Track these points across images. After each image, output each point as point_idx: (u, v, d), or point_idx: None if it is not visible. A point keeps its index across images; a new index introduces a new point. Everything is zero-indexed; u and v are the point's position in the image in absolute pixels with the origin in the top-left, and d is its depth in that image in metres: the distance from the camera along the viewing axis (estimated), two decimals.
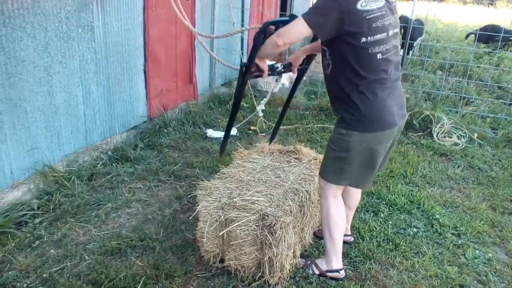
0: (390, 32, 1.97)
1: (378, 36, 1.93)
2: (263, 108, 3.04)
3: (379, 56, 1.95)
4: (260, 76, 2.33)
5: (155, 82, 4.43)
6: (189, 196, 3.14)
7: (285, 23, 2.03)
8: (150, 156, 3.74)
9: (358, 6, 1.86)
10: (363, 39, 1.91)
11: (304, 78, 6.72)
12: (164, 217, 2.87)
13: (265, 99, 3.29)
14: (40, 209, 2.81)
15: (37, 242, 2.53)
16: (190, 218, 2.80)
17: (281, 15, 8.03)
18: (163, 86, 4.62)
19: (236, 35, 5.95)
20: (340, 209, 2.27)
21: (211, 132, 4.36)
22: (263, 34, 2.17)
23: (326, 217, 2.26)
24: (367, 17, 1.88)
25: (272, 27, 2.18)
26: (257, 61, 2.22)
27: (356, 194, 2.49)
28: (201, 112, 4.92)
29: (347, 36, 1.92)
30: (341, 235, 2.29)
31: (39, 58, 2.94)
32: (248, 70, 2.27)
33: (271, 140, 3.12)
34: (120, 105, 3.93)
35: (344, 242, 2.57)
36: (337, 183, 2.19)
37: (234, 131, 4.41)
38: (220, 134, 4.36)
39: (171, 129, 4.33)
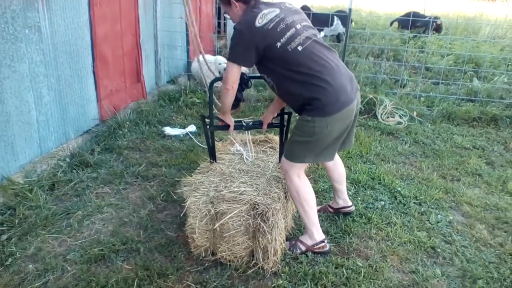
0: (298, 26, 2.17)
1: (288, 34, 2.13)
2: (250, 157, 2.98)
3: (300, 48, 2.13)
4: (226, 129, 2.56)
5: (104, 83, 4.25)
6: (162, 194, 3.09)
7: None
8: (111, 160, 3.61)
9: (257, 24, 2.10)
10: (278, 44, 2.11)
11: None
12: (140, 219, 2.81)
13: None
14: (5, 225, 2.62)
15: (9, 259, 2.36)
16: (181, 215, 2.68)
17: (218, 8, 8.02)
18: (112, 87, 4.45)
19: (180, 30, 5.90)
20: (307, 187, 2.39)
21: (169, 130, 4.28)
22: (211, 89, 2.55)
23: (297, 197, 2.37)
24: (269, 27, 2.10)
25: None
26: (221, 116, 2.49)
27: (336, 167, 2.66)
28: (153, 111, 4.81)
29: (266, 51, 2.13)
30: (313, 208, 2.41)
31: None
32: (211, 122, 2.52)
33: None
34: (72, 108, 3.73)
35: (347, 213, 2.84)
36: (302, 161, 2.32)
37: (192, 128, 4.39)
38: (177, 131, 4.30)
39: (126, 130, 4.19)
